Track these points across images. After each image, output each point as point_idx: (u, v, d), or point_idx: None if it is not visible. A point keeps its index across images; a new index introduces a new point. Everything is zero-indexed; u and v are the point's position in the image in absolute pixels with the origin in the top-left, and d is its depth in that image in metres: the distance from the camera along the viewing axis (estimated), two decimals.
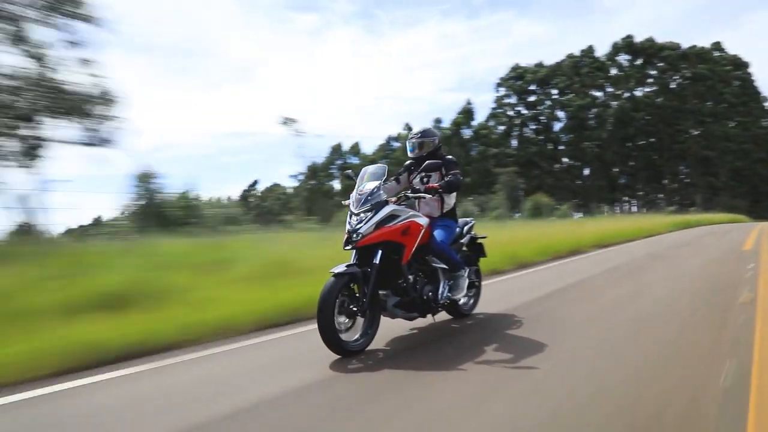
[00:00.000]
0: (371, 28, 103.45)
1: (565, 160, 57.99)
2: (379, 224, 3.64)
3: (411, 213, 3.87)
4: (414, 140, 4.26)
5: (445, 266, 4.10)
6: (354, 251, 3.73)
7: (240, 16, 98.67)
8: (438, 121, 57.20)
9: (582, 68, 56.30)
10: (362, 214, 3.65)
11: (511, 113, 58.18)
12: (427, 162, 3.94)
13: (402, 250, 3.74)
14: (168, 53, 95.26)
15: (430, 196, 3.99)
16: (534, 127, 56.79)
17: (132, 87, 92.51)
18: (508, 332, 3.95)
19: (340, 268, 3.45)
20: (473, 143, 55.31)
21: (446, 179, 4.09)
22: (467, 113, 55.18)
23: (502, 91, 57.87)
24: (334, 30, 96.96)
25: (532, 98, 57.58)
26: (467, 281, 4.24)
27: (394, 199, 3.96)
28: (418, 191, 4.01)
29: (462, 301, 4.67)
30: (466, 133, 55.20)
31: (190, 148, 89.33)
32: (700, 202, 49.75)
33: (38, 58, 11.32)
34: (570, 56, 57.39)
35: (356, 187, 3.82)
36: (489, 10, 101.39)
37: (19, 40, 11.01)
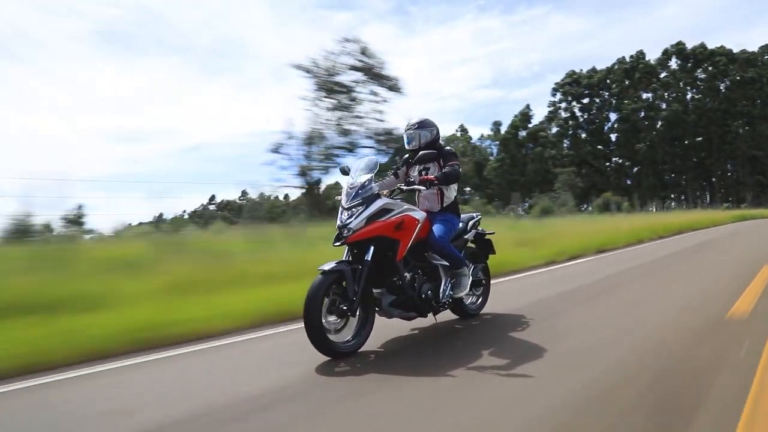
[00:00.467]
0: (406, 25, 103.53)
1: (615, 159, 59.97)
2: (371, 219, 3.46)
3: (405, 207, 3.68)
4: (411, 131, 4.05)
5: (446, 263, 3.89)
6: (346, 248, 3.57)
7: (274, 16, 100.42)
8: (497, 123, 63.33)
9: (633, 73, 57.76)
10: (353, 209, 3.48)
11: (565, 115, 60.92)
12: (421, 152, 3.74)
13: (396, 246, 3.54)
14: (204, 54, 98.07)
15: (425, 188, 3.78)
16: (587, 128, 59.56)
17: (169, 87, 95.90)
18: (512, 334, 3.66)
19: (329, 266, 3.29)
20: (529, 144, 58.04)
21: (443, 171, 3.88)
22: (524, 116, 58.72)
23: (558, 95, 61.08)
24: (368, 27, 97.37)
25: (585, 100, 60.12)
26: (471, 279, 4.01)
27: (386, 192, 3.78)
28: (413, 183, 3.82)
29: (468, 300, 4.45)
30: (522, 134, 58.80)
31: (227, 148, 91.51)
32: (749, 199, 52.34)
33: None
34: (621, 61, 59.16)
35: (347, 180, 3.66)
36: (525, 5, 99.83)
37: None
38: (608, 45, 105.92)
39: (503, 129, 61.01)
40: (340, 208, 3.54)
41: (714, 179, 58.50)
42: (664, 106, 56.55)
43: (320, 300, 3.16)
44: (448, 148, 4.05)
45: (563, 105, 60.64)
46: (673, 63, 58.26)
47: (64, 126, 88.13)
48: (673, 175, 57.78)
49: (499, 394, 2.51)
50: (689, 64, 57.10)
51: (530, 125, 59.59)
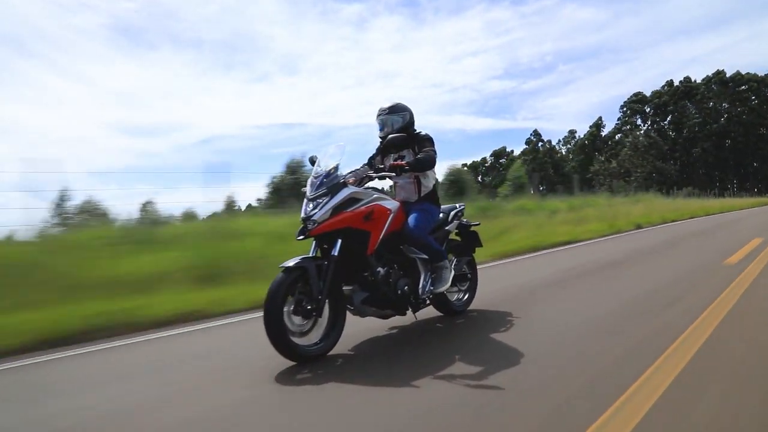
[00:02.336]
0: (416, 16, 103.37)
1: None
2: (337, 209, 3.17)
3: (375, 196, 3.38)
4: (382, 117, 3.73)
5: (424, 256, 3.60)
6: (314, 243, 3.28)
7: (285, 10, 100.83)
8: (572, 132, 78.57)
9: (696, 94, 70.52)
10: (317, 199, 3.19)
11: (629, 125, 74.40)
12: (390, 136, 3.44)
13: (366, 238, 3.25)
14: (216, 48, 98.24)
15: (395, 174, 3.48)
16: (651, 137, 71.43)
17: (182, 81, 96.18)
18: (495, 336, 3.35)
19: (292, 262, 3.01)
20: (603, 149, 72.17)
21: (417, 156, 3.58)
22: (597, 126, 75.05)
23: (626, 110, 75.03)
24: (378, 19, 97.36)
25: (648, 112, 74.22)
26: (452, 273, 3.71)
27: (352, 180, 3.49)
28: (382, 170, 3.52)
29: (454, 296, 4.15)
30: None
31: (239, 141, 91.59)
32: None
33: None
34: (669, 83, 73.39)
35: (313, 169, 3.37)
36: None
37: None
38: (622, 35, 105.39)
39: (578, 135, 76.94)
40: (305, 200, 3.25)
41: (744, 173, 69.71)
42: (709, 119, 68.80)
43: (280, 300, 2.87)
44: (424, 133, 3.75)
45: (629, 119, 74.78)
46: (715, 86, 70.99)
47: (77, 120, 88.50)
48: (716, 172, 70.06)
49: (469, 404, 2.20)
50: (729, 86, 69.52)
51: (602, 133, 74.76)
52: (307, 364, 2.94)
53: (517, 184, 21.14)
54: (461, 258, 4.17)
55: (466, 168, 79.92)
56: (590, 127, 74.49)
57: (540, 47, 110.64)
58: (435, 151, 3.63)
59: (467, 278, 4.16)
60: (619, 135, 72.24)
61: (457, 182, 19.56)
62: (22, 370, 3.26)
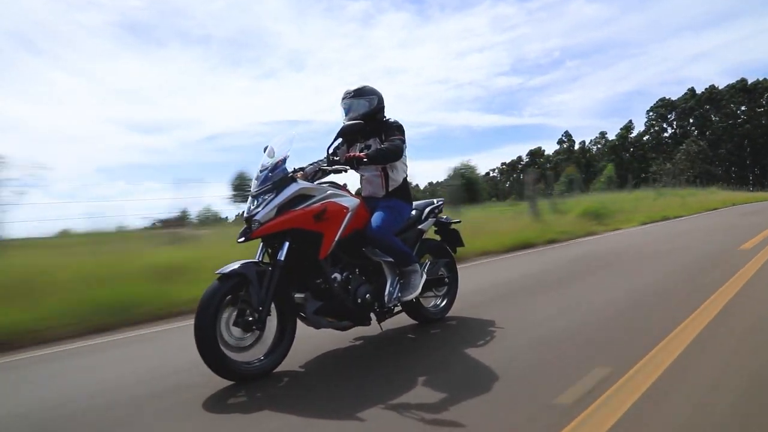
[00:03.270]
0: (421, 13, 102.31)
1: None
2: (283, 207, 2.77)
3: (330, 192, 2.97)
4: (346, 101, 3.29)
5: (390, 259, 3.19)
6: (261, 244, 2.89)
7: (291, 6, 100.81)
8: (603, 133, 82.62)
9: (719, 99, 73.94)
10: (261, 196, 2.79)
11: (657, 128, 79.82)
12: (345, 124, 3.02)
13: (319, 240, 2.85)
14: (223, 45, 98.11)
15: (348, 168, 3.05)
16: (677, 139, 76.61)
17: (189, 78, 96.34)
18: (470, 351, 2.93)
19: (229, 268, 2.62)
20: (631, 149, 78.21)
21: (380, 146, 3.16)
22: (627, 128, 79.32)
23: (652, 114, 79.83)
24: (384, 15, 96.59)
25: (672, 117, 78.90)
26: (424, 278, 3.30)
27: (300, 174, 3.09)
28: (336, 163, 3.11)
29: (430, 303, 3.74)
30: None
31: (245, 137, 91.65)
32: None
33: None
34: (692, 90, 77.26)
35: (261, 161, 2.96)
36: None
37: None
38: (628, 30, 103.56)
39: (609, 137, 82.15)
40: (249, 197, 2.86)
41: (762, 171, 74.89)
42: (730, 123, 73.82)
43: (213, 313, 2.49)
44: (393, 120, 3.32)
45: (656, 122, 79.80)
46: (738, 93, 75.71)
47: (83, 117, 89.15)
48: (735, 168, 74.73)
49: None
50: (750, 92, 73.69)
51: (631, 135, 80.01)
52: (245, 384, 2.56)
53: (609, 181, 31.08)
54: (439, 259, 3.75)
55: (504, 166, 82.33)
56: (621, 129, 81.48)
57: (546, 43, 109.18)
58: (403, 141, 3.20)
59: (444, 282, 3.73)
60: (647, 137, 78.89)
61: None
62: None
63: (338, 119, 3.35)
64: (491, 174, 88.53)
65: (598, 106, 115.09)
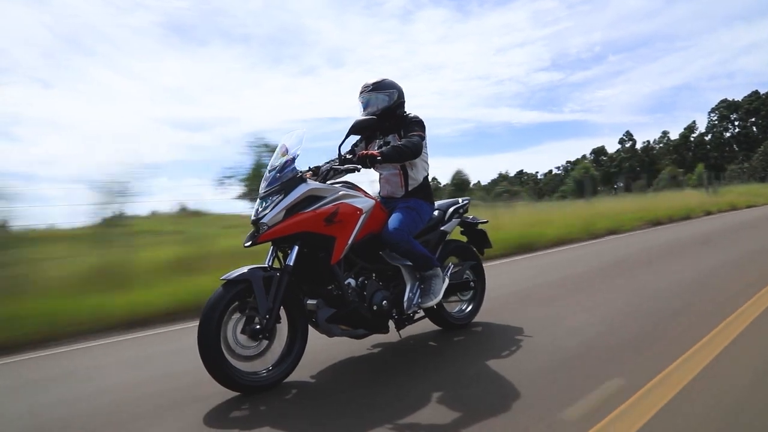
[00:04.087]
0: (461, 8, 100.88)
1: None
2: (292, 210, 2.62)
3: (342, 193, 2.79)
4: (365, 94, 3.09)
5: (409, 263, 2.99)
6: (271, 248, 2.75)
7: (331, 3, 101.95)
8: (665, 132, 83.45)
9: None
10: (268, 197, 2.65)
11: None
12: (356, 120, 2.82)
13: (330, 244, 2.69)
14: (264, 42, 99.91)
15: (362, 167, 2.85)
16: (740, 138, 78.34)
17: (229, 76, 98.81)
18: (492, 364, 2.71)
19: (235, 273, 2.49)
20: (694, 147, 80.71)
21: (397, 143, 2.95)
22: (690, 129, 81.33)
23: (714, 115, 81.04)
24: (423, 11, 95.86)
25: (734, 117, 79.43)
26: (446, 282, 3.08)
27: (309, 174, 2.92)
28: (350, 161, 2.92)
29: (455, 308, 3.53)
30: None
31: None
32: None
33: None
34: (756, 93, 77.70)
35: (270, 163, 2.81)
36: None
37: None
38: (675, 22, 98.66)
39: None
40: (258, 198, 2.72)
41: None
42: None
43: (216, 322, 2.37)
44: (412, 114, 3.10)
45: (719, 122, 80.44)
46: None
47: (130, 115, 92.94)
48: None
49: None
50: None
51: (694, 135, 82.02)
52: (251, 396, 2.44)
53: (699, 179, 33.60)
54: (464, 262, 3.52)
55: (568, 164, 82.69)
56: (684, 129, 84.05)
57: (588, 37, 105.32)
58: (422, 137, 2.98)
59: (470, 287, 3.50)
60: (709, 136, 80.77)
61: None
62: None
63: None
64: (554, 171, 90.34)
65: (642, 101, 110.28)
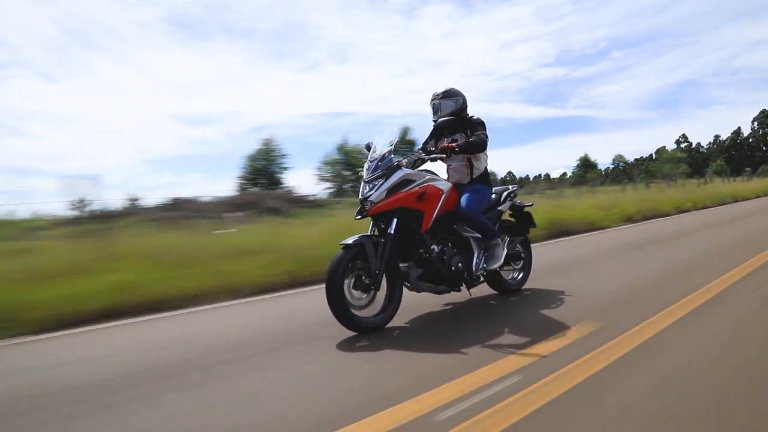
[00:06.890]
0: (465, 4, 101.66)
1: None
2: (392, 190, 3.37)
3: (428, 177, 3.55)
4: (435, 101, 3.89)
5: (477, 235, 3.73)
6: (371, 222, 3.51)
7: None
8: (717, 136, 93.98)
9: None
10: (373, 181, 3.41)
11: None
12: (439, 120, 3.58)
13: (420, 217, 3.44)
14: (268, 37, 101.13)
15: (445, 156, 3.62)
16: None
17: (234, 71, 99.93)
18: (545, 312, 3.47)
19: (350, 240, 3.25)
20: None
21: (468, 139, 3.71)
22: (737, 133, 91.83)
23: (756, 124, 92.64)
24: (428, 7, 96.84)
25: None
26: (505, 251, 3.81)
27: (405, 162, 3.67)
28: (432, 152, 3.67)
29: (509, 276, 4.26)
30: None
31: (289, 129, 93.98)
32: None
33: None
34: None
35: (369, 155, 3.58)
36: None
37: None
38: (681, 18, 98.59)
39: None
40: (362, 182, 3.48)
41: None
42: None
43: (341, 275, 3.11)
44: (476, 117, 3.86)
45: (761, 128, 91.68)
46: None
47: (136, 110, 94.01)
48: None
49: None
50: None
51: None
52: (365, 334, 3.18)
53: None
54: (515, 238, 4.26)
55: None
56: (732, 133, 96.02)
57: (593, 33, 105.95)
58: (486, 135, 3.74)
59: (521, 257, 4.25)
60: (752, 140, 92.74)
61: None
62: None
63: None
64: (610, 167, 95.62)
65: (646, 96, 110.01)
